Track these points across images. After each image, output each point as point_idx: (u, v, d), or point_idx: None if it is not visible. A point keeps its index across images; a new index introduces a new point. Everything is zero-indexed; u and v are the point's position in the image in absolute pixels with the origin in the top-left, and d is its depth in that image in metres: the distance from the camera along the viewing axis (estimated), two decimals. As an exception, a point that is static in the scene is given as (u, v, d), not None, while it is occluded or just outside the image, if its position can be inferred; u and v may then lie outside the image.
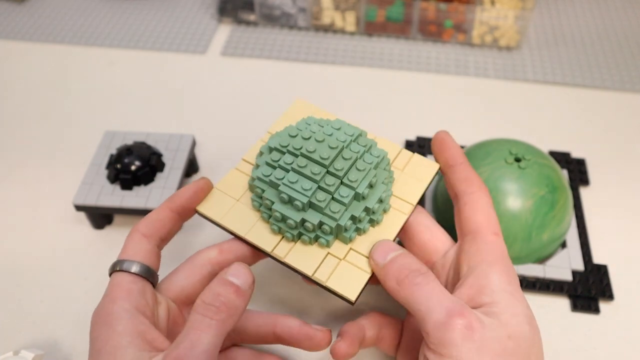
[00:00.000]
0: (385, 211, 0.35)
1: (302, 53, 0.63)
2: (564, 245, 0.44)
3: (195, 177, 0.51)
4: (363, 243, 0.34)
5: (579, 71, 0.61)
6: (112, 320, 0.29)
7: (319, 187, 0.33)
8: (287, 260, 0.33)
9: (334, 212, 0.32)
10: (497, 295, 0.29)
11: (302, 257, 0.33)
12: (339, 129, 0.35)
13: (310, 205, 0.33)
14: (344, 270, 0.32)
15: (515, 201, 0.40)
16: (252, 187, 0.35)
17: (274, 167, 0.34)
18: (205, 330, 0.27)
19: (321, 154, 0.33)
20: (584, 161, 0.51)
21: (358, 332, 0.34)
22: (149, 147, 0.46)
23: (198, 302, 0.29)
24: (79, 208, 0.44)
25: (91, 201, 0.44)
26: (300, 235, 0.33)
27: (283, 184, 0.33)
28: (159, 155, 0.46)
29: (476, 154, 0.43)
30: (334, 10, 0.64)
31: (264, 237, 0.34)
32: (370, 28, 0.64)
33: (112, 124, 0.55)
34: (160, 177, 0.45)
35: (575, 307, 0.41)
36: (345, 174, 0.33)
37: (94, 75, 0.61)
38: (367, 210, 0.33)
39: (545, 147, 0.52)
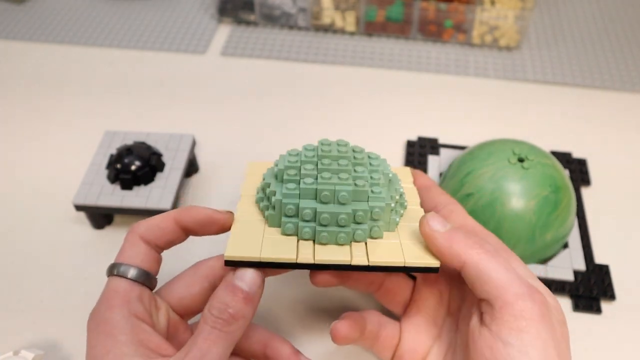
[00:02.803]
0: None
1: (302, 53, 0.63)
2: (565, 245, 0.44)
3: (195, 177, 0.50)
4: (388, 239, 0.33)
5: (579, 71, 0.61)
6: (112, 328, 0.29)
7: (355, 176, 0.32)
8: (367, 261, 0.31)
9: (378, 194, 0.32)
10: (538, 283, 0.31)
11: (373, 251, 0.31)
12: (344, 145, 0.34)
13: (353, 194, 0.32)
14: (407, 248, 0.32)
15: (518, 201, 0.40)
16: (280, 207, 0.32)
17: (297, 182, 0.32)
18: (215, 342, 0.28)
19: (339, 151, 0.33)
20: (585, 161, 0.51)
21: (360, 319, 0.33)
22: (149, 147, 0.46)
23: (206, 312, 0.28)
24: (79, 208, 0.44)
25: (91, 201, 0.44)
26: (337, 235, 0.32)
27: (319, 183, 0.31)
28: (159, 155, 0.46)
29: (479, 154, 0.43)
30: (334, 10, 0.64)
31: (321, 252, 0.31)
32: (370, 28, 0.64)
33: (112, 124, 0.55)
34: (160, 177, 0.45)
35: (577, 307, 0.41)
36: (369, 163, 0.34)
37: (94, 75, 0.61)
38: (397, 192, 0.34)
39: (546, 147, 0.52)
